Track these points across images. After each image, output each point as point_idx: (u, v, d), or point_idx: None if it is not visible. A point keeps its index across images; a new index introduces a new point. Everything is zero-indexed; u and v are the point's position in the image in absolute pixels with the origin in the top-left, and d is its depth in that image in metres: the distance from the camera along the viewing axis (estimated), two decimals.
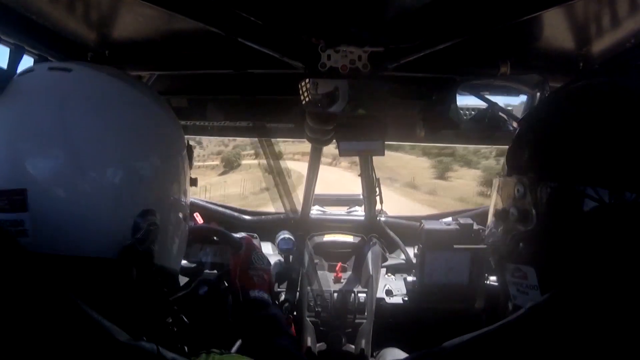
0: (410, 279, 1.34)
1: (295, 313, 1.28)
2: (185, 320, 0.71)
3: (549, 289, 0.52)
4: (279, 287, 1.32)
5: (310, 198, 1.56)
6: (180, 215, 0.71)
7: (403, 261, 1.46)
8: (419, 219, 1.50)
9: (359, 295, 1.30)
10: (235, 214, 1.64)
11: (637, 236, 0.47)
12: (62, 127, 0.55)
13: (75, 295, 0.46)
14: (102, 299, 0.51)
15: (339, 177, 11.86)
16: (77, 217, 0.55)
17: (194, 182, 0.77)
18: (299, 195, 1.60)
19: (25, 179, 0.53)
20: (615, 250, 0.49)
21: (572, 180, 0.51)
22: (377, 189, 1.47)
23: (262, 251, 1.02)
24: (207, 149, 25.11)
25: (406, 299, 1.33)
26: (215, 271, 1.01)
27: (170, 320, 0.70)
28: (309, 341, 1.24)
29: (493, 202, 0.65)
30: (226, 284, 0.95)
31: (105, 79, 0.62)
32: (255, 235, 1.44)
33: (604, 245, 0.49)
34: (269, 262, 1.01)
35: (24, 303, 0.42)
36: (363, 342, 1.24)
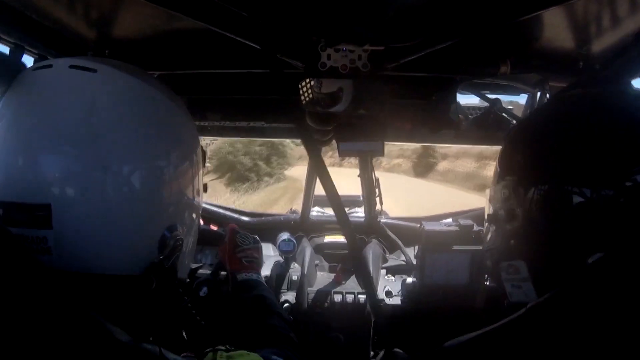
0: (410, 280, 1.34)
1: (295, 314, 1.27)
2: (202, 323, 0.71)
3: (539, 279, 0.57)
4: (279, 289, 1.32)
5: (310, 199, 1.56)
6: (198, 224, 0.69)
7: (403, 262, 1.45)
8: (419, 220, 1.50)
9: (359, 296, 1.29)
10: (235, 215, 1.64)
11: (621, 227, 0.49)
12: (91, 135, 0.51)
13: (97, 311, 0.45)
14: (125, 314, 0.50)
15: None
16: (104, 233, 0.51)
17: (204, 187, 0.75)
18: None
19: (49, 193, 0.49)
20: (602, 241, 0.51)
21: (552, 181, 0.56)
22: (377, 190, 1.47)
23: (245, 232, 1.02)
24: None
25: (406, 300, 1.32)
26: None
27: (186, 326, 0.69)
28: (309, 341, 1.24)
29: (486, 211, 0.71)
30: (223, 275, 0.95)
31: (130, 81, 0.58)
32: (256, 237, 1.43)
33: (590, 237, 0.52)
34: (255, 240, 1.00)
35: (28, 309, 0.42)
36: (363, 343, 1.23)
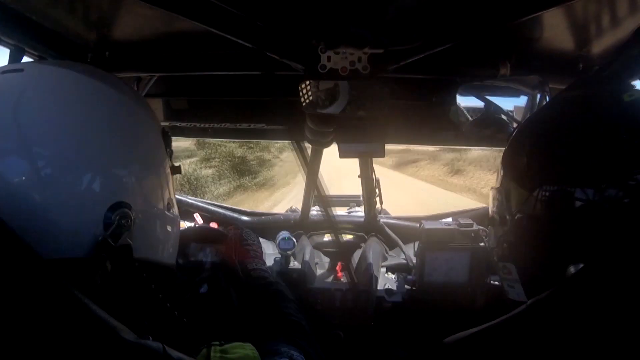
0: (410, 278, 1.34)
1: None
2: (176, 314, 0.68)
3: (526, 282, 0.60)
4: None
5: (310, 198, 1.56)
6: (164, 204, 0.68)
7: (403, 261, 1.46)
8: (418, 219, 1.50)
9: (359, 294, 1.30)
10: (235, 214, 1.65)
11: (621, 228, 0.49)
12: (15, 129, 0.54)
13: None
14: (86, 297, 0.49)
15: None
16: (44, 219, 0.53)
17: (176, 169, 0.74)
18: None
19: None
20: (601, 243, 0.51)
21: (543, 186, 0.57)
22: (377, 190, 1.47)
23: (248, 230, 1.03)
24: None
25: (406, 297, 1.33)
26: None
27: (167, 317, 0.67)
28: None
29: (490, 212, 0.72)
30: (224, 271, 0.96)
31: (56, 73, 0.60)
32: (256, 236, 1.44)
33: (576, 243, 0.52)
34: (258, 238, 1.01)
35: (30, 303, 0.42)
36: (363, 341, 1.24)
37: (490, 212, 0.70)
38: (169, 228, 0.70)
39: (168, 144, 0.72)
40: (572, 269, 0.51)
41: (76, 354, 0.42)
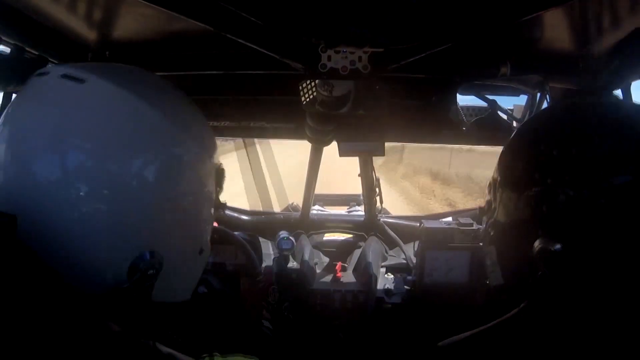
0: (410, 278, 1.34)
1: (294, 312, 1.28)
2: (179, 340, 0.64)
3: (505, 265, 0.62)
4: (278, 286, 1.33)
5: (310, 197, 1.56)
6: (198, 248, 0.62)
7: (403, 261, 1.46)
8: (419, 218, 1.50)
9: (359, 294, 1.30)
10: (235, 214, 1.65)
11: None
12: (57, 144, 0.50)
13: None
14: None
15: None
16: (74, 250, 0.49)
17: (221, 206, 0.68)
18: None
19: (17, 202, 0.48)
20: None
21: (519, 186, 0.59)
22: (377, 189, 1.47)
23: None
24: None
25: (406, 298, 1.33)
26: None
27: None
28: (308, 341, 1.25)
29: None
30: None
31: (117, 95, 0.54)
32: (255, 235, 1.44)
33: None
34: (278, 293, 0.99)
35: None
36: (362, 341, 1.24)
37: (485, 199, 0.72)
38: (195, 271, 0.65)
39: (220, 182, 0.65)
40: (537, 244, 0.51)
41: (66, 345, 0.42)
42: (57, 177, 0.49)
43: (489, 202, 0.67)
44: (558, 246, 0.49)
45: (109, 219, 0.50)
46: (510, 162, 0.63)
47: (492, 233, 0.65)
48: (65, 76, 0.53)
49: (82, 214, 0.49)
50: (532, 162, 0.57)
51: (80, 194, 0.49)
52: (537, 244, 0.51)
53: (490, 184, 0.67)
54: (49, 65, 0.57)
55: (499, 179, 0.63)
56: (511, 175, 0.61)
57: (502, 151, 0.66)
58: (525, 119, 1.00)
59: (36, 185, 0.49)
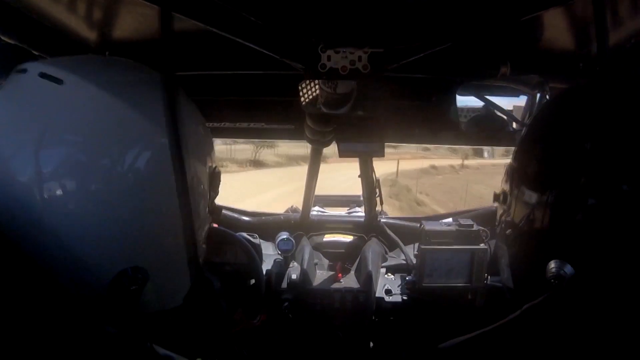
0: (409, 279, 1.34)
1: (294, 312, 1.28)
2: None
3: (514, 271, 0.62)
4: (278, 287, 1.33)
5: (310, 198, 1.56)
6: (190, 256, 0.61)
7: (403, 261, 1.45)
8: (419, 219, 1.50)
9: (359, 295, 1.30)
10: (235, 214, 1.64)
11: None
12: (36, 148, 0.49)
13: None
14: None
15: None
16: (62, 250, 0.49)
17: (214, 211, 0.67)
18: None
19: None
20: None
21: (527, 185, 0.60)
22: (377, 190, 1.47)
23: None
24: None
25: (406, 298, 1.33)
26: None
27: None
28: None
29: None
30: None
31: (95, 93, 0.53)
32: (255, 235, 1.44)
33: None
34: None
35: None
36: (362, 342, 1.24)
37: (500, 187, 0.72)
38: (185, 279, 0.64)
39: (215, 185, 0.63)
40: (552, 265, 0.51)
41: (63, 345, 0.42)
42: (30, 180, 0.49)
43: (504, 193, 0.67)
44: (570, 270, 0.49)
45: (86, 230, 0.50)
46: (526, 154, 0.63)
47: (508, 232, 0.64)
48: (43, 75, 0.52)
49: (57, 222, 0.49)
50: (548, 158, 0.56)
51: (58, 194, 0.49)
52: (551, 266, 0.50)
53: (507, 171, 0.67)
54: (28, 62, 0.56)
55: (515, 166, 0.63)
56: (526, 173, 0.61)
57: (520, 141, 0.66)
58: (526, 119, 1.00)
59: (11, 185, 0.49)
